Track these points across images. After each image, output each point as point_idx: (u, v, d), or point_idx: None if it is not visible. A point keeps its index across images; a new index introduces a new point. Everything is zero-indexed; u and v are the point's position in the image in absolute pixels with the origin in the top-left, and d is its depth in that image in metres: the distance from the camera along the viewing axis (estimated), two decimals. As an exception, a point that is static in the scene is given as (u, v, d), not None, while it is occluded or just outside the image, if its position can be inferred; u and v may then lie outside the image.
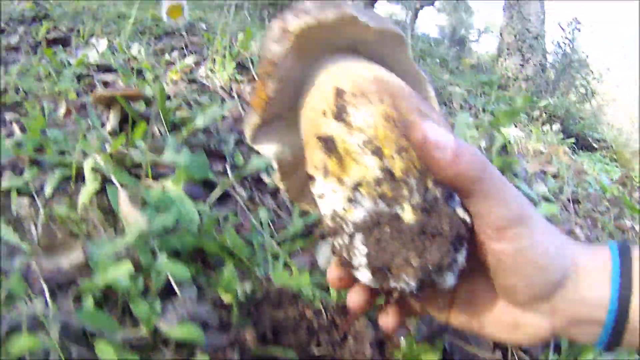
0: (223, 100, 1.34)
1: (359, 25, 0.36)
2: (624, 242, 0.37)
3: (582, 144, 2.99)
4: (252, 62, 1.85)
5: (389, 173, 0.33)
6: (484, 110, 2.26)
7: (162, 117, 1.10)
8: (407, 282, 0.32)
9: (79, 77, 1.47)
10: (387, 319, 0.42)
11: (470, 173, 0.32)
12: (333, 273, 0.39)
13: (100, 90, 1.08)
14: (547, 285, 0.35)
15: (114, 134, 1.12)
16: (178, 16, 0.75)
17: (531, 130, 2.28)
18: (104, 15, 2.20)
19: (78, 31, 1.84)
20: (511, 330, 0.39)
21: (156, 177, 0.98)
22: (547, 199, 1.45)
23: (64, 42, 1.73)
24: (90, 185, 0.91)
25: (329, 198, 0.34)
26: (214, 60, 1.64)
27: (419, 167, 0.33)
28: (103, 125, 1.16)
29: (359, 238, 0.32)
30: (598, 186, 1.77)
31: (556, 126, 2.39)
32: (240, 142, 1.22)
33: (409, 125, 0.34)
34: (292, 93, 0.40)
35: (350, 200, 0.33)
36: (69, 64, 1.50)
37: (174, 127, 1.14)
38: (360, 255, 0.32)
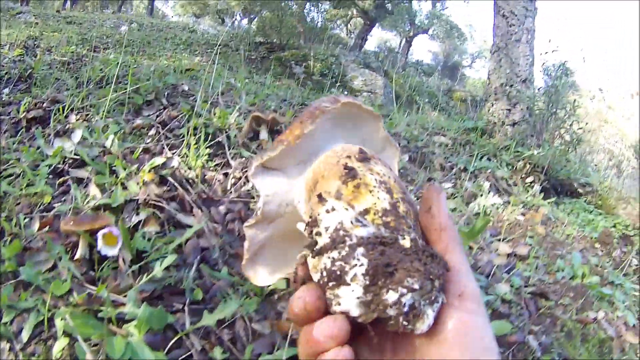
0: (191, 208, 1.38)
1: (358, 107, 0.49)
2: None
3: (568, 190, 3.00)
4: (229, 138, 1.87)
5: (395, 208, 0.39)
6: (465, 170, 2.27)
7: (126, 248, 1.15)
8: (411, 286, 0.34)
9: (55, 172, 1.51)
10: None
11: (452, 234, 0.40)
12: (312, 293, 0.37)
13: (67, 225, 1.12)
14: None
15: (82, 261, 1.17)
16: (112, 244, 0.80)
17: (509, 202, 2.29)
18: (89, 72, 2.21)
19: (58, 103, 1.87)
20: None
21: (120, 319, 1.05)
22: (507, 302, 1.48)
23: (43, 121, 1.76)
24: (61, 341, 0.99)
25: (339, 213, 0.39)
26: (188, 146, 1.67)
27: (413, 218, 0.41)
28: (74, 249, 1.21)
29: (360, 251, 0.36)
30: (569, 268, 1.79)
31: (537, 187, 2.40)
32: (203, 260, 1.27)
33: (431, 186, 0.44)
34: (310, 151, 0.48)
35: (357, 220, 0.38)
36: (47, 156, 1.54)
37: (139, 254, 1.18)
38: (358, 265, 0.35)
